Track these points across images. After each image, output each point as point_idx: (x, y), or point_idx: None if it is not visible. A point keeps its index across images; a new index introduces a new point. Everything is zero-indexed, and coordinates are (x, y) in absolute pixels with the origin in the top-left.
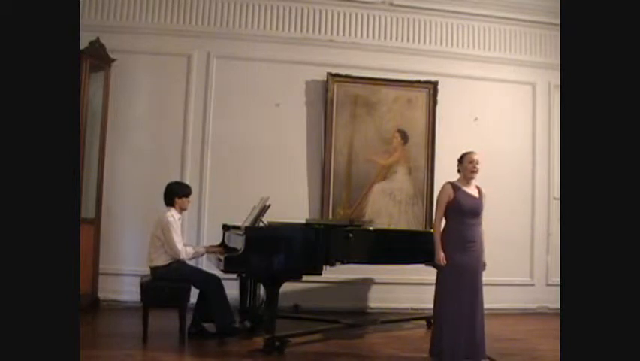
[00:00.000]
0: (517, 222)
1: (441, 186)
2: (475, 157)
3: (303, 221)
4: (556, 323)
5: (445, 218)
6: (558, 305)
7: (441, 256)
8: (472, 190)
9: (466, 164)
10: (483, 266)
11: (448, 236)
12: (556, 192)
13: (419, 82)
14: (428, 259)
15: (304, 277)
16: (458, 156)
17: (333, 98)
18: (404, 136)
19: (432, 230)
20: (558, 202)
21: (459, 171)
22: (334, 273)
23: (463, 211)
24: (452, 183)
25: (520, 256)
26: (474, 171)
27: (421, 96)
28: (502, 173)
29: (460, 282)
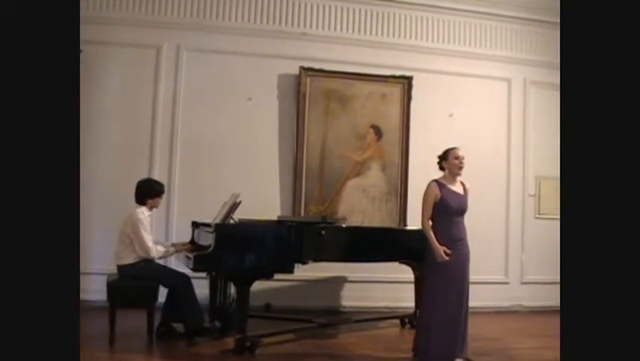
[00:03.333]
0: (492, 219)
1: (415, 181)
2: (461, 153)
3: (275, 218)
4: (531, 321)
5: (432, 217)
6: (533, 303)
7: (441, 250)
8: (457, 187)
9: (452, 160)
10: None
11: (436, 236)
12: (530, 189)
13: (394, 77)
14: (402, 256)
15: (276, 276)
16: (440, 153)
17: (306, 93)
18: (378, 132)
19: (421, 228)
20: (533, 200)
21: (441, 168)
22: (307, 271)
23: (450, 210)
24: (438, 182)
25: (495, 254)
26: (460, 168)
27: (395, 91)
28: (477, 170)
29: (449, 281)
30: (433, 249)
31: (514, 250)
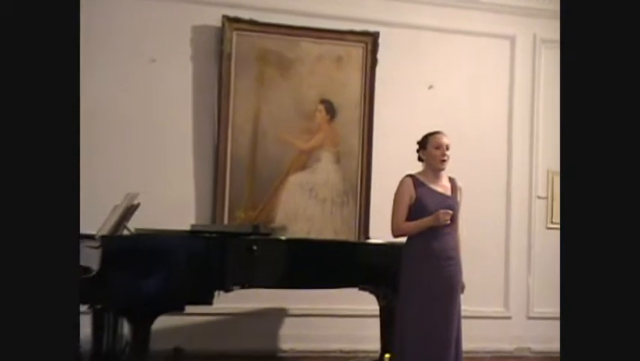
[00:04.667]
0: (488, 229)
1: (381, 178)
2: (444, 140)
3: (188, 228)
4: None
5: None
6: (544, 346)
7: (437, 215)
8: (440, 186)
9: (432, 150)
10: (461, 288)
11: (412, 250)
12: (540, 188)
13: (353, 33)
14: (364, 280)
15: (188, 309)
16: (418, 139)
17: (232, 53)
18: (331, 109)
19: (393, 237)
20: (544, 203)
21: (420, 159)
22: (231, 302)
23: (428, 215)
24: (414, 178)
25: (492, 277)
26: (443, 160)
27: (355, 53)
28: (467, 163)
29: (430, 313)
30: (421, 226)
31: (517, 272)
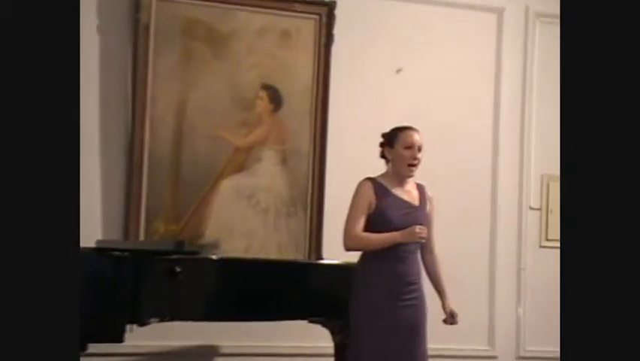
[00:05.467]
0: (468, 249)
1: (337, 183)
2: (417, 138)
3: (92, 244)
4: None
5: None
6: None
7: (404, 233)
8: (407, 193)
9: (400, 149)
10: (452, 318)
11: (369, 273)
12: (533, 197)
13: (303, 1)
14: (315, 311)
15: (92, 347)
16: (382, 133)
17: (150, 24)
18: (275, 97)
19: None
20: (537, 215)
21: (383, 156)
22: (149, 339)
23: (390, 229)
24: (374, 181)
25: (474, 307)
26: (412, 164)
27: (305, 27)
28: (442, 164)
29: (390, 353)
30: (386, 242)
31: (505, 302)
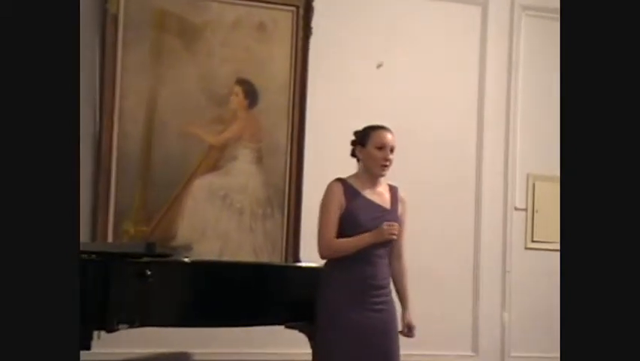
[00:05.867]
0: (451, 251)
1: (315, 183)
2: (390, 138)
3: None
4: None
5: None
6: None
7: (381, 228)
8: (378, 195)
9: (372, 149)
10: (408, 330)
11: (336, 278)
12: (518, 198)
13: None
14: (291, 316)
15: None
16: (355, 131)
17: (119, 15)
18: (250, 92)
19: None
20: (523, 216)
21: (354, 154)
22: (117, 346)
23: (360, 232)
24: (344, 182)
25: (457, 312)
26: (385, 165)
27: (282, 20)
28: (425, 164)
29: (357, 353)
30: (360, 245)
31: (489, 306)
